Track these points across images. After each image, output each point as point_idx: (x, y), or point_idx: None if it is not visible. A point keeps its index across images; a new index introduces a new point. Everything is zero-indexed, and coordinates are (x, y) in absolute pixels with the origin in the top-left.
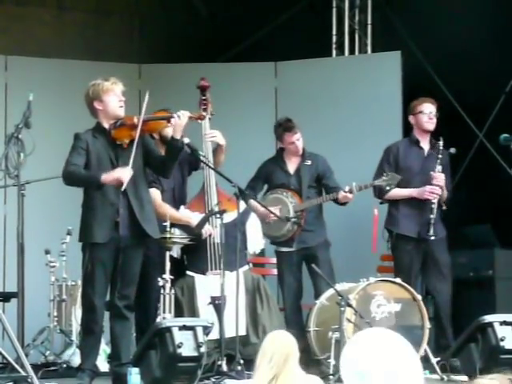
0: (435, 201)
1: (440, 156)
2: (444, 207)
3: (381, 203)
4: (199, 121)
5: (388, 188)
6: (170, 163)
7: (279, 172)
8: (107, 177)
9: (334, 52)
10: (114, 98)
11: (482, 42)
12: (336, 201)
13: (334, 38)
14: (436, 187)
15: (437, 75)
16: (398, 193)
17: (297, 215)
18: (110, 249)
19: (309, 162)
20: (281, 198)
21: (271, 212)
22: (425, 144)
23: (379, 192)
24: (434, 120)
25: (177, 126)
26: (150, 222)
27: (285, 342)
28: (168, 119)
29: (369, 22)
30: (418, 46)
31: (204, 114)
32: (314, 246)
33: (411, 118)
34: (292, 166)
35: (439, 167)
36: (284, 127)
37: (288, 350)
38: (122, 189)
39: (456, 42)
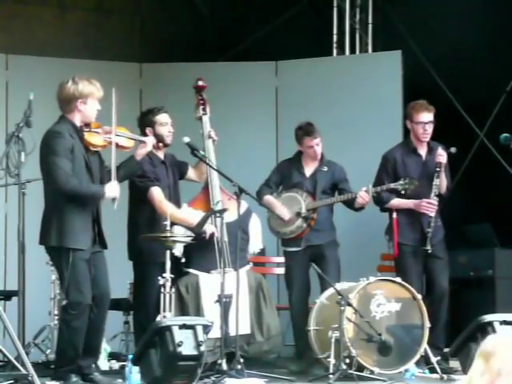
0: (433, 214)
1: (438, 169)
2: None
3: (382, 211)
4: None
5: (403, 192)
6: (120, 177)
7: (295, 174)
8: (107, 192)
9: (334, 51)
10: (95, 105)
11: (482, 41)
12: (350, 205)
13: (335, 38)
14: (433, 200)
15: (437, 74)
16: (397, 203)
17: (308, 213)
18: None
19: (325, 169)
20: (295, 196)
21: (280, 214)
22: (422, 150)
23: (379, 201)
24: (430, 130)
25: (143, 150)
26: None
27: None
28: (141, 142)
29: (370, 21)
30: (419, 45)
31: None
32: (323, 244)
33: (408, 123)
34: (309, 169)
35: (437, 180)
36: (304, 131)
37: None
38: (115, 206)
39: (456, 42)
